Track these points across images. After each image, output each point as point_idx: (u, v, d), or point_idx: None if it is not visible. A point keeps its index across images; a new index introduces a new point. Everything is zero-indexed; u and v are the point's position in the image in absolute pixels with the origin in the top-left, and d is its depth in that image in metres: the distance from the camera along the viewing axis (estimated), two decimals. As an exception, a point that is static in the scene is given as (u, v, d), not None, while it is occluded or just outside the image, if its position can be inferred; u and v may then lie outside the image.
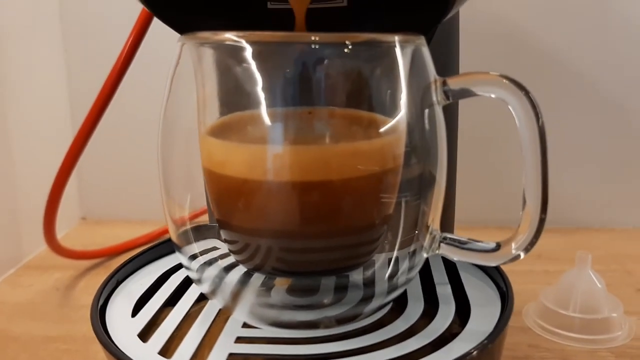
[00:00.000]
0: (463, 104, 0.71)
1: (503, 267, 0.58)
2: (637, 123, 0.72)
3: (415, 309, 0.28)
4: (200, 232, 0.28)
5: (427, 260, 0.31)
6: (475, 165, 0.75)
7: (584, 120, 0.73)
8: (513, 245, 0.27)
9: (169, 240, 0.30)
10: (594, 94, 0.72)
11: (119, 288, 0.35)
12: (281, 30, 0.27)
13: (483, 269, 0.35)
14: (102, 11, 0.72)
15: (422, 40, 0.25)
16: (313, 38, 0.22)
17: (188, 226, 0.27)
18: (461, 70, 0.70)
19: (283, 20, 0.28)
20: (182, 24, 0.29)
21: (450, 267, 0.36)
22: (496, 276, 0.34)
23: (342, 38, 0.23)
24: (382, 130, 0.24)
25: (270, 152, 0.23)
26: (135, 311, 0.31)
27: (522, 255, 0.27)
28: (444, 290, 0.30)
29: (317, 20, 0.29)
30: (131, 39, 0.52)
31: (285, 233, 0.24)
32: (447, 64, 0.40)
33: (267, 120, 0.24)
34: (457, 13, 0.43)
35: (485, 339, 0.27)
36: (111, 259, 0.66)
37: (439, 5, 0.26)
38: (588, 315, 0.49)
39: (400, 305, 0.28)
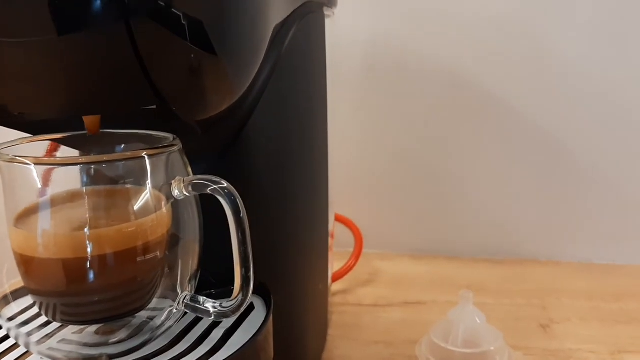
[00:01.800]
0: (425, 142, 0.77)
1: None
2: (584, 160, 0.75)
3: (179, 348, 0.36)
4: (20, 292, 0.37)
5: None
6: (426, 198, 0.80)
7: (532, 156, 0.76)
8: (225, 305, 0.34)
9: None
10: (540, 133, 0.75)
11: None
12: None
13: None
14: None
15: (174, 149, 0.34)
16: (80, 160, 0.31)
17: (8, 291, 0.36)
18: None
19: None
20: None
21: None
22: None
23: (100, 159, 0.32)
24: (133, 217, 0.33)
25: (37, 236, 0.33)
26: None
27: (233, 313, 0.34)
28: (216, 334, 0.37)
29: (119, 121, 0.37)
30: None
31: (59, 294, 0.33)
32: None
33: (39, 214, 0.33)
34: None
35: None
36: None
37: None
38: (468, 349, 0.54)
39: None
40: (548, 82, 0.74)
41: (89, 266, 0.32)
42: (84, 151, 0.37)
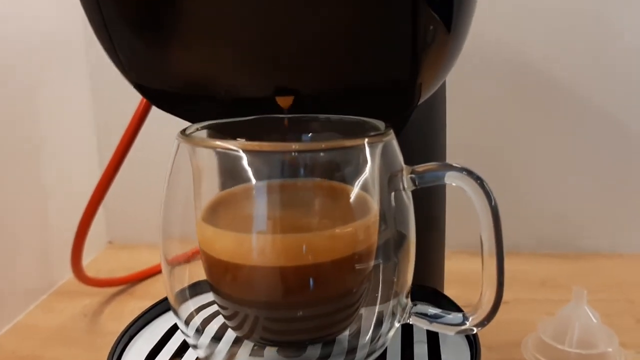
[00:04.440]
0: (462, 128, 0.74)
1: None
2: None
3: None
4: (197, 289, 0.31)
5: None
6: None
7: (592, 145, 0.74)
8: (471, 320, 0.29)
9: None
10: (602, 122, 0.73)
11: (131, 343, 0.38)
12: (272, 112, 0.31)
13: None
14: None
15: (390, 137, 0.28)
16: (294, 147, 0.25)
17: (186, 285, 0.30)
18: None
19: (275, 104, 0.31)
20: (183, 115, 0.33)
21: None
22: (470, 339, 0.36)
23: (318, 146, 0.26)
24: (354, 216, 0.28)
25: (250, 240, 0.27)
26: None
27: (477, 330, 0.29)
28: (420, 349, 0.32)
29: (309, 102, 0.32)
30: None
31: (267, 306, 0.28)
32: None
33: (249, 210, 0.27)
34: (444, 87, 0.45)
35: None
36: (134, 285, 0.70)
37: (405, 101, 0.29)
38: (584, 350, 0.51)
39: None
40: (613, 71, 0.72)
41: (305, 276, 0.27)
42: (269, 136, 0.32)
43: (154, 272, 0.72)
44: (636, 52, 0.71)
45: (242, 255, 0.26)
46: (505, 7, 0.71)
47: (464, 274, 0.71)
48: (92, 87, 0.78)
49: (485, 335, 0.57)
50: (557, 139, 0.75)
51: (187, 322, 0.31)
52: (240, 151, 0.26)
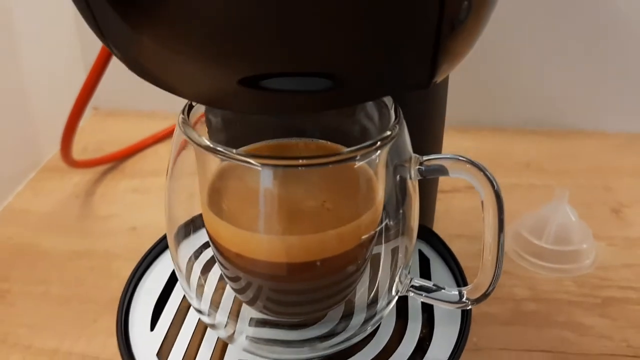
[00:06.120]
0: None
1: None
2: (636, 25, 0.71)
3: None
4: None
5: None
6: (470, 68, 0.75)
7: (577, 24, 0.71)
8: (468, 295, 0.31)
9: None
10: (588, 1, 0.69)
11: (135, 293, 0.38)
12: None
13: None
14: None
15: (401, 130, 0.27)
16: (301, 162, 0.24)
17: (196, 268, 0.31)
18: None
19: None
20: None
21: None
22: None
23: (325, 160, 0.25)
24: (362, 207, 0.27)
25: (256, 239, 0.27)
26: (154, 318, 0.35)
27: (476, 304, 0.31)
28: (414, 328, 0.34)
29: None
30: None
31: (272, 278, 0.28)
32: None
33: (258, 209, 0.27)
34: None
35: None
36: (124, 161, 0.70)
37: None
38: (559, 246, 0.54)
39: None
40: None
41: (312, 265, 0.27)
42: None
43: (143, 146, 0.72)
44: None
45: (247, 250, 0.27)
46: None
47: (451, 152, 0.72)
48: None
49: (466, 224, 0.59)
50: (543, 18, 0.71)
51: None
52: (260, 166, 0.24)
